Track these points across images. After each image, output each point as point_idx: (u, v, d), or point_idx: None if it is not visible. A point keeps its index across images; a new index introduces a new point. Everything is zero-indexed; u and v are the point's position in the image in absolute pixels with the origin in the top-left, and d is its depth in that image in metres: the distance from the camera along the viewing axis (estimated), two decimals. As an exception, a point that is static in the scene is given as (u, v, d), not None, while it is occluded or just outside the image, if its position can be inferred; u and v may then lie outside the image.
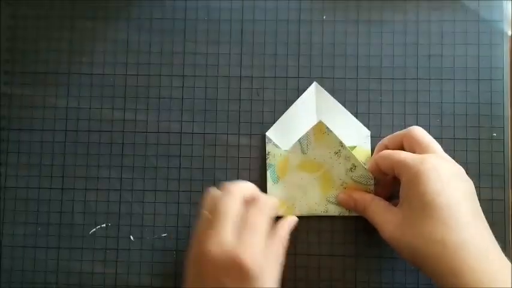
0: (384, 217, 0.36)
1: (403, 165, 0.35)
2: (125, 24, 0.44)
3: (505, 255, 0.40)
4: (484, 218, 0.34)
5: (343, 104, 0.42)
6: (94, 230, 0.42)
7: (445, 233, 0.32)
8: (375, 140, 0.42)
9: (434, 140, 0.37)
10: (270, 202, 0.36)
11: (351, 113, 0.42)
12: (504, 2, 0.43)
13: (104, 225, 0.42)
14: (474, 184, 0.41)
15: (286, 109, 0.42)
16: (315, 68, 0.43)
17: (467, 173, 0.41)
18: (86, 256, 0.42)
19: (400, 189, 0.36)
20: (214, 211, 0.34)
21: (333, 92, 0.42)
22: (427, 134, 0.37)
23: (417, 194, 0.33)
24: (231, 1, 0.43)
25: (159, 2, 0.44)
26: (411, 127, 0.38)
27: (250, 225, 0.34)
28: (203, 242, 0.33)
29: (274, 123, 0.42)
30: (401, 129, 0.41)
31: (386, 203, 0.37)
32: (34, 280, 0.42)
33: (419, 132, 0.37)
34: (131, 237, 0.42)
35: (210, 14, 0.43)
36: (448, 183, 0.33)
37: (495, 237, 0.39)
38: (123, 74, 0.43)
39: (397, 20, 0.43)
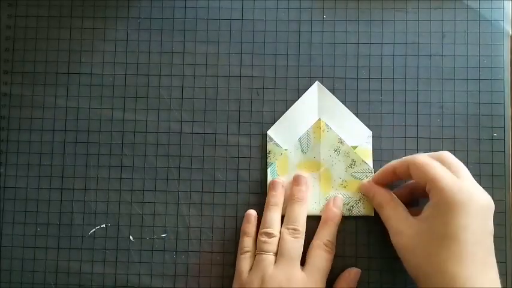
0: (399, 225, 0.36)
1: (439, 186, 0.34)
2: (124, 24, 0.44)
3: (506, 256, 0.40)
4: (495, 260, 0.34)
5: (344, 104, 0.42)
6: (93, 230, 0.42)
7: (459, 269, 0.32)
8: (376, 140, 0.42)
9: (461, 163, 0.36)
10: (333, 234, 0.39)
11: (352, 113, 0.42)
12: (505, 2, 0.43)
13: (104, 225, 0.42)
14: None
15: (286, 109, 0.42)
16: (315, 68, 0.43)
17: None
18: (86, 256, 0.42)
19: (427, 204, 0.35)
20: (283, 252, 0.37)
21: (333, 92, 0.42)
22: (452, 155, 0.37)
23: (443, 221, 0.33)
24: (230, 1, 0.43)
25: (159, 1, 0.44)
26: (418, 156, 0.37)
27: (316, 265, 0.37)
28: (273, 277, 0.36)
29: (274, 123, 0.42)
30: (402, 129, 0.42)
31: (404, 210, 0.37)
32: (33, 280, 0.42)
33: (447, 155, 0.36)
34: (131, 237, 0.42)
35: (210, 13, 0.43)
36: (475, 219, 0.33)
37: (495, 237, 0.39)
38: (123, 73, 0.43)
39: (398, 19, 0.43)
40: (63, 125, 0.43)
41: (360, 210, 0.40)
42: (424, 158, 0.36)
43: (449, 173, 0.35)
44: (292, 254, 0.37)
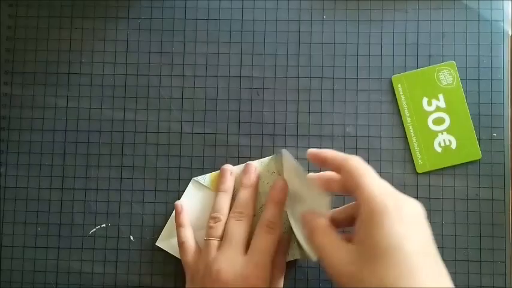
0: (336, 253, 0.31)
1: (365, 195, 0.31)
2: (125, 24, 0.44)
3: (505, 256, 0.40)
4: (445, 269, 0.30)
5: (344, 103, 0.42)
6: (94, 230, 0.42)
7: (408, 283, 0.28)
8: (375, 140, 0.42)
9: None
10: (279, 231, 0.37)
11: (351, 113, 0.42)
12: (504, 2, 0.43)
13: (104, 225, 0.42)
14: (475, 184, 0.41)
15: (287, 109, 0.42)
16: (315, 68, 0.43)
17: (467, 174, 0.42)
18: (86, 256, 0.42)
19: (357, 222, 0.31)
20: (226, 236, 0.37)
21: (333, 92, 0.42)
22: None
23: (381, 235, 0.29)
24: (231, 1, 0.43)
25: (159, 2, 0.44)
26: (352, 159, 0.33)
27: (257, 246, 0.36)
28: (214, 262, 0.36)
29: (274, 123, 0.42)
30: (401, 129, 0.42)
31: (338, 235, 0.32)
32: (34, 280, 0.42)
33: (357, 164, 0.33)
34: (131, 237, 0.42)
35: (210, 14, 0.43)
36: (414, 226, 0.30)
37: (495, 237, 0.39)
38: (123, 74, 0.43)
39: (397, 19, 0.43)
40: (63, 125, 0.43)
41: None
42: (355, 163, 0.33)
43: (379, 179, 0.32)
44: (235, 237, 0.36)
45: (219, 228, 0.38)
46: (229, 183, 0.40)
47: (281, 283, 0.38)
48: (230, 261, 0.35)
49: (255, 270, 0.35)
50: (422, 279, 0.28)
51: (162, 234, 0.41)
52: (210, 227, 0.38)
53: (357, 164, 0.33)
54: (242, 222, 0.37)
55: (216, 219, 0.38)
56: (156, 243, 0.41)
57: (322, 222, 0.34)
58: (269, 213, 0.37)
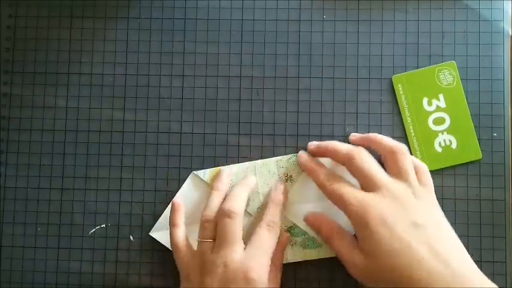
0: (350, 258, 0.36)
1: (348, 209, 0.36)
2: (124, 24, 0.44)
3: (506, 256, 0.40)
4: (453, 240, 0.35)
5: (343, 103, 0.42)
6: (94, 230, 0.42)
7: (417, 273, 0.33)
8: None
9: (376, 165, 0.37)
10: (277, 222, 0.39)
11: (351, 113, 0.42)
12: (504, 2, 0.43)
13: (104, 225, 0.42)
14: (475, 184, 0.41)
15: (287, 109, 0.42)
16: (315, 68, 0.43)
17: (467, 174, 0.42)
18: (86, 256, 0.42)
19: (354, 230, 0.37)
20: (220, 235, 0.37)
21: (333, 92, 0.42)
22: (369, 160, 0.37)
23: (370, 242, 0.35)
24: (230, 1, 0.43)
25: (159, 2, 0.44)
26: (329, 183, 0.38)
27: (256, 242, 0.37)
28: (211, 259, 0.36)
29: (274, 123, 0.42)
30: (401, 129, 0.42)
31: (351, 239, 0.37)
32: (34, 280, 0.42)
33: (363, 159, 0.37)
34: (131, 237, 0.42)
35: (210, 14, 0.43)
36: (395, 228, 0.34)
37: (495, 238, 0.39)
38: (123, 74, 0.43)
39: (398, 19, 0.43)
40: (63, 125, 0.43)
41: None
42: (331, 186, 0.37)
43: (353, 189, 0.36)
44: (228, 237, 0.36)
45: (210, 229, 0.38)
46: (224, 183, 0.40)
47: (278, 280, 0.39)
48: (226, 261, 0.36)
49: (253, 263, 0.36)
50: (420, 267, 0.33)
51: (156, 225, 0.41)
52: (202, 228, 0.38)
53: (332, 186, 0.37)
54: (233, 221, 0.37)
55: (208, 220, 0.38)
56: (150, 233, 0.41)
57: (336, 227, 0.38)
58: (270, 212, 0.39)
